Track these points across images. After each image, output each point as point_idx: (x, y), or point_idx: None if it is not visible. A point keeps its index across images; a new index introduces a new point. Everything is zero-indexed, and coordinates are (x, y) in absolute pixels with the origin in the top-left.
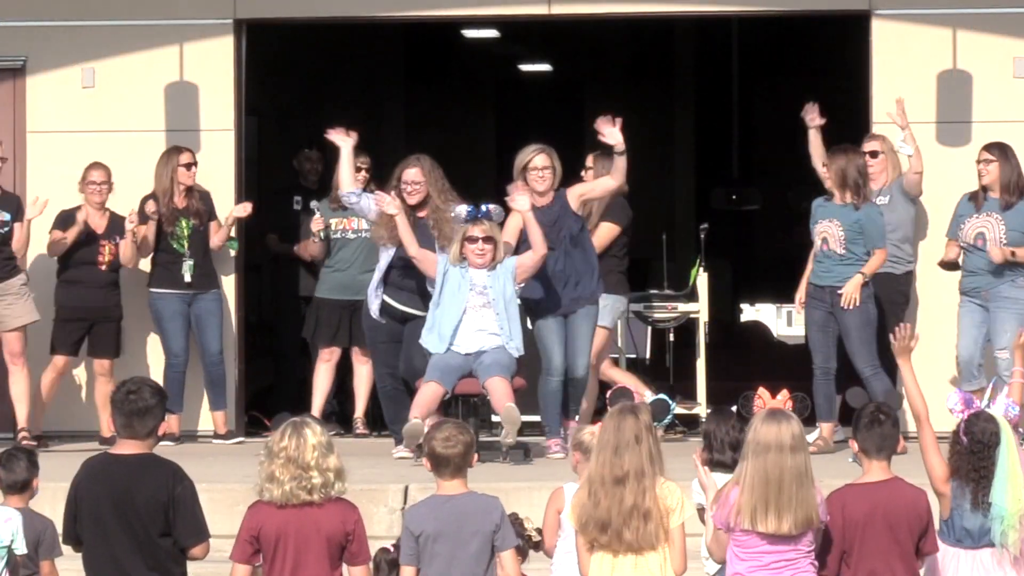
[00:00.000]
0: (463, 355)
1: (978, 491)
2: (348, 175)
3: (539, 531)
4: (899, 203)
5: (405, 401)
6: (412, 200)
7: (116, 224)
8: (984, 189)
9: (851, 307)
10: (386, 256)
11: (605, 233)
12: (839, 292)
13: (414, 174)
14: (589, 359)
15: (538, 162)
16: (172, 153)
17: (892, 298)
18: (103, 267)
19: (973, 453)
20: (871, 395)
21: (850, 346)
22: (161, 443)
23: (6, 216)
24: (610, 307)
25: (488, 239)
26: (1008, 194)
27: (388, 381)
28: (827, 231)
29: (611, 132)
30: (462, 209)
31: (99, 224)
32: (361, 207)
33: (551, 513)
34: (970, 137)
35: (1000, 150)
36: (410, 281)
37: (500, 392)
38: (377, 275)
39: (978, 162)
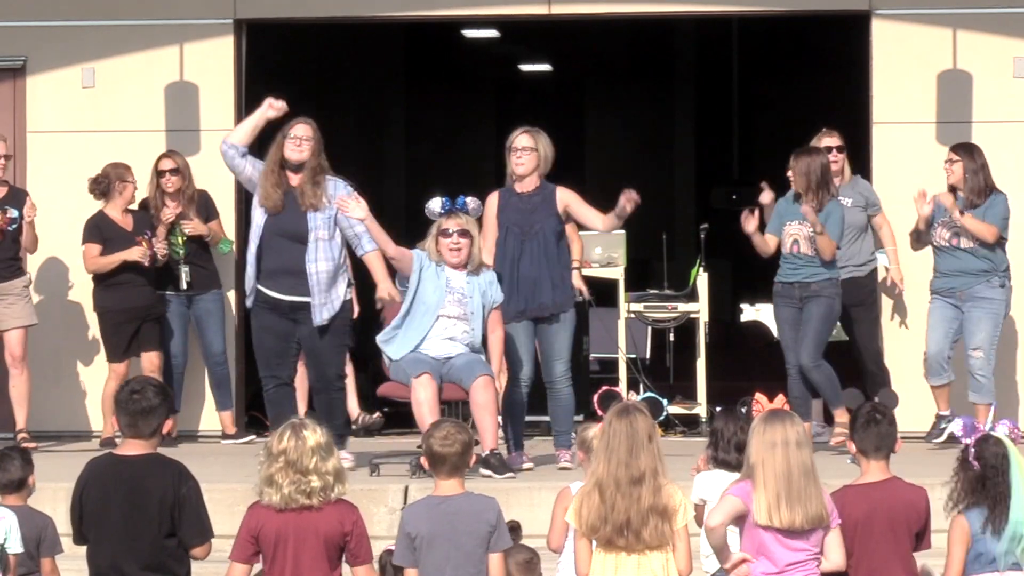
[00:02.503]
0: (432, 358)
1: (996, 514)
2: (247, 130)
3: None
4: (856, 208)
5: (292, 400)
6: (297, 156)
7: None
8: (952, 189)
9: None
10: (255, 228)
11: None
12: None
13: (304, 130)
14: (568, 365)
15: (518, 143)
16: (157, 161)
17: (861, 300)
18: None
19: (988, 478)
20: (814, 385)
21: (805, 333)
22: None
23: (15, 213)
24: None
25: (464, 233)
26: (974, 194)
27: (271, 383)
28: (798, 234)
29: (624, 203)
30: (436, 202)
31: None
32: (235, 164)
33: (559, 512)
34: (970, 137)
35: (965, 150)
36: (289, 260)
37: (485, 400)
38: (251, 255)
39: (944, 162)
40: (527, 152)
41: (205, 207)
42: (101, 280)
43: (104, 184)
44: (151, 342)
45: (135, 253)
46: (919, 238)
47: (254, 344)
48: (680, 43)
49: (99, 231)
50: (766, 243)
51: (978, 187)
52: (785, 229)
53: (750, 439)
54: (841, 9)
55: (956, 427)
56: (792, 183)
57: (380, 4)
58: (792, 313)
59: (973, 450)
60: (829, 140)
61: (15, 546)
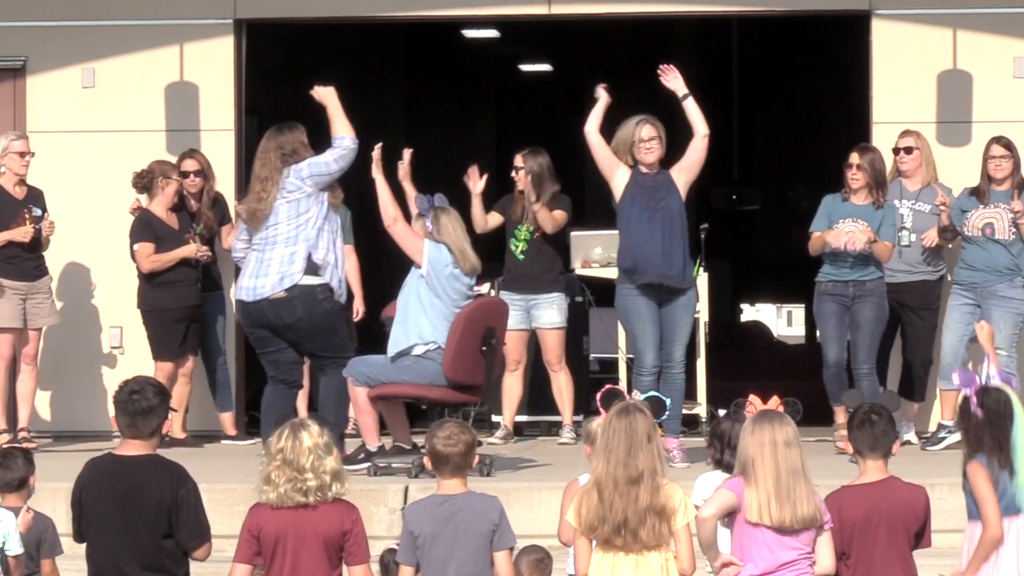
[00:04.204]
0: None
1: (1001, 459)
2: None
3: None
4: (933, 213)
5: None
6: None
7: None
8: (990, 182)
9: (856, 247)
10: (339, 229)
11: (560, 219)
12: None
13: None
14: (685, 351)
15: (645, 134)
16: (179, 159)
17: (927, 304)
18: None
19: (991, 423)
20: (860, 394)
21: (857, 337)
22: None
23: (39, 212)
24: (563, 306)
25: None
26: (1018, 187)
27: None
28: (853, 232)
29: (672, 78)
30: (441, 199)
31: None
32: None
33: (567, 504)
34: (970, 137)
35: (1009, 145)
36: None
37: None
38: (335, 254)
39: (993, 157)
40: (654, 140)
41: (221, 210)
42: (152, 279)
43: (147, 179)
44: (193, 345)
45: (192, 250)
46: (943, 233)
47: (313, 341)
48: (680, 43)
49: (151, 229)
50: (819, 243)
51: (1020, 181)
52: (838, 227)
53: (741, 439)
54: (841, 9)
55: (956, 380)
56: (853, 179)
57: (380, 4)
58: (839, 308)
59: (975, 399)
60: (902, 141)
61: (14, 548)
